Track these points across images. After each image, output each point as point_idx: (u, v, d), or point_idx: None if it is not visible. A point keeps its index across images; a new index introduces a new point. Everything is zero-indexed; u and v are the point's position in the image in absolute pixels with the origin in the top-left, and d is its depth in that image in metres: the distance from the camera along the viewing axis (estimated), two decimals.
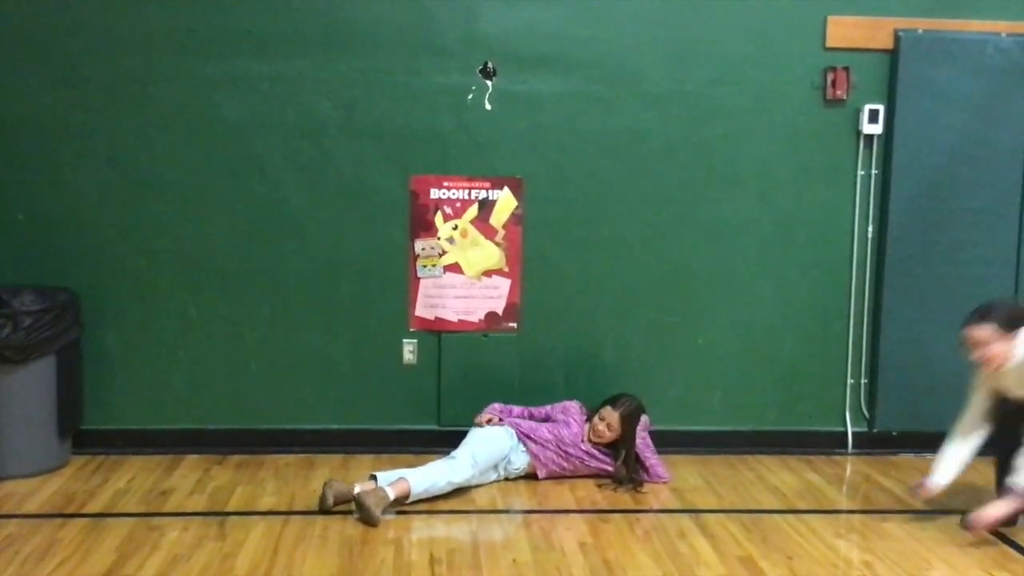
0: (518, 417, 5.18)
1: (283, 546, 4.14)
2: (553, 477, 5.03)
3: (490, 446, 4.92)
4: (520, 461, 5.03)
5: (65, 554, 4.02)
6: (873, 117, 5.43)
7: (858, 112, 5.45)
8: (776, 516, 4.64)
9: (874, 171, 5.52)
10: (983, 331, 4.30)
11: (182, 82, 5.21)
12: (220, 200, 5.30)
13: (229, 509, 4.58)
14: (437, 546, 4.19)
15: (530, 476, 5.04)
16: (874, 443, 5.66)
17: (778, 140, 5.48)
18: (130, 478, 4.96)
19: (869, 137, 5.48)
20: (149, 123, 5.22)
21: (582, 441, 5.08)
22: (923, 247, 5.53)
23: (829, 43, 5.40)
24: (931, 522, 4.62)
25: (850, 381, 5.66)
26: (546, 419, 5.22)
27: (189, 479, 4.97)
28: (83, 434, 5.28)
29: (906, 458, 5.59)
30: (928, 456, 5.47)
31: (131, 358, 5.34)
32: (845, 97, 5.44)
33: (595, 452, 5.08)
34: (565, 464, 5.05)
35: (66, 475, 4.99)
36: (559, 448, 5.04)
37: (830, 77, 5.41)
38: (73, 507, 4.57)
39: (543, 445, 5.01)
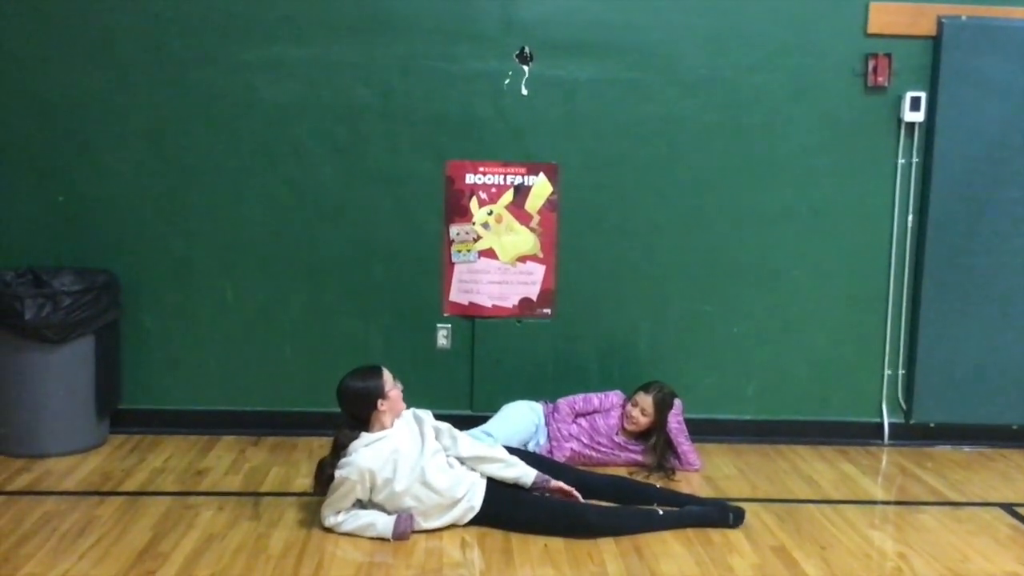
0: (567, 410, 5.11)
1: (317, 526, 4.15)
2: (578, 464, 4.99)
3: (511, 425, 5.03)
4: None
5: (102, 531, 4.08)
6: (915, 105, 5.36)
7: (899, 100, 5.38)
8: (810, 506, 4.61)
9: (915, 160, 5.44)
10: None
11: (221, 66, 5.25)
12: (257, 183, 5.34)
13: (264, 490, 4.63)
14: (468, 529, 4.19)
15: None
16: (910, 434, 5.61)
17: (817, 128, 5.43)
18: (166, 457, 5.03)
19: (910, 125, 5.41)
20: (188, 106, 5.27)
21: (616, 434, 5.07)
22: (964, 237, 5.46)
23: (871, 29, 5.35)
24: (967, 514, 4.59)
25: (887, 372, 5.60)
26: (595, 412, 5.16)
27: (224, 459, 5.04)
28: (121, 414, 5.35)
29: (943, 450, 5.54)
30: (965, 449, 5.49)
31: (168, 339, 5.40)
32: (887, 84, 5.37)
33: (627, 445, 5.07)
34: (594, 455, 5.04)
35: (104, 454, 5.06)
36: (591, 439, 5.03)
37: (871, 64, 5.35)
38: (110, 485, 4.63)
39: (567, 437, 5.02)
